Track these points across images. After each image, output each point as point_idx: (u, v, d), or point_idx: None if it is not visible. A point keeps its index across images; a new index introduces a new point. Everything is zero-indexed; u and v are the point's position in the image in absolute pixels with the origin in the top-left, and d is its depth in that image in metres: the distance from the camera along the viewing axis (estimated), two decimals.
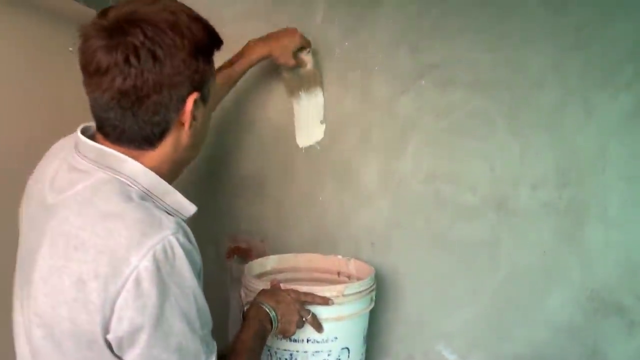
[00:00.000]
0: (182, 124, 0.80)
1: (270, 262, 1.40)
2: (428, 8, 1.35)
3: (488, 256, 1.37)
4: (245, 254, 1.50)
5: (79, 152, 0.79)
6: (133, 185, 0.77)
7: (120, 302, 0.70)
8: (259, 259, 1.38)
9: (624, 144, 1.28)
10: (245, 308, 1.05)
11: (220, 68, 1.23)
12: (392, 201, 1.41)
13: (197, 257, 0.77)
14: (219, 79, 1.02)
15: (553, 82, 1.30)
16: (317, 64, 1.41)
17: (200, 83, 0.79)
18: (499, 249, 1.36)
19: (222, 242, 1.56)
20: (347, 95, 1.42)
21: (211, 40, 0.81)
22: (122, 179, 0.76)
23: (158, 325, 0.71)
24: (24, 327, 0.78)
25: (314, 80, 1.41)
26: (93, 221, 0.72)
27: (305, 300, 1.09)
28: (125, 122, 0.76)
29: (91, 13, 1.33)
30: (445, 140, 1.37)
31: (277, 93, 1.47)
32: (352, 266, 1.40)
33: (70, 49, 1.37)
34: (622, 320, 1.30)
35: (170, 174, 0.83)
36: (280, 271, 1.40)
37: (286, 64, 1.34)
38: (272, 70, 1.46)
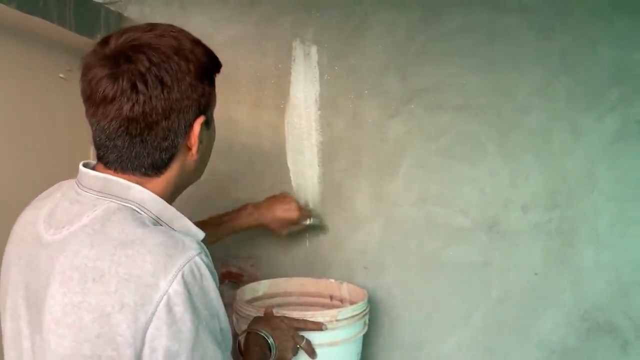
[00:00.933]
0: (189, 149, 0.79)
1: (262, 287, 1.38)
2: (416, 33, 1.38)
3: (480, 278, 1.37)
4: (236, 279, 1.49)
5: (81, 185, 0.77)
6: (142, 212, 0.75)
7: (151, 331, 0.66)
8: (251, 284, 1.37)
9: (611, 166, 1.30)
10: (240, 337, 1.03)
11: (207, 223, 1.23)
12: (384, 224, 1.41)
13: (216, 276, 0.75)
14: None
15: (540, 106, 1.33)
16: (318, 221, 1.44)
17: (206, 106, 0.79)
18: (491, 270, 1.37)
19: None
20: (337, 119, 1.43)
21: (214, 63, 0.81)
22: (130, 205, 0.74)
23: (194, 350, 0.68)
24: None
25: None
26: (111, 251, 0.68)
27: (298, 327, 1.08)
28: (133, 149, 0.74)
29: (82, 40, 1.34)
30: (435, 163, 1.38)
31: (268, 119, 1.47)
32: (345, 290, 1.39)
33: (61, 75, 1.38)
34: (615, 340, 1.31)
35: (171, 197, 0.81)
36: (272, 296, 1.39)
37: (282, 234, 1.37)
38: (265, 97, 1.47)
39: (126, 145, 0.74)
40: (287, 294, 1.41)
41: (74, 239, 0.71)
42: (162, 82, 0.72)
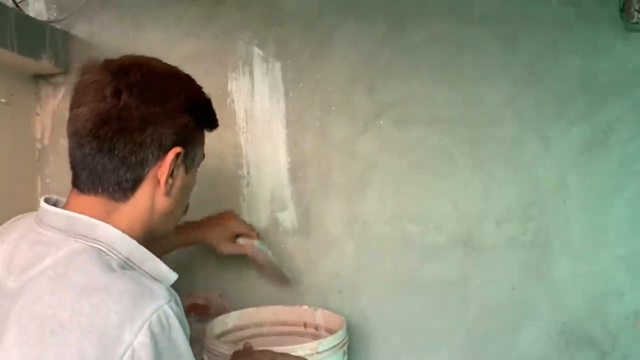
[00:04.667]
0: (158, 181, 0.75)
1: (231, 319, 1.30)
2: (381, 46, 1.34)
3: (458, 295, 1.34)
4: (203, 312, 1.40)
5: (42, 223, 0.72)
6: (110, 253, 0.70)
7: None
8: (219, 317, 1.28)
9: (581, 175, 1.30)
10: None
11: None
12: (357, 244, 1.36)
13: (187, 324, 0.70)
14: None
15: (510, 117, 1.31)
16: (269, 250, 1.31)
17: (186, 142, 0.76)
18: (468, 287, 1.33)
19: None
20: (304, 137, 1.37)
21: (207, 110, 0.81)
22: (98, 246, 0.69)
23: None
24: None
25: (276, 274, 1.34)
26: (73, 298, 0.63)
27: None
28: (100, 160, 0.71)
29: (25, 62, 1.23)
30: (407, 179, 1.34)
31: (232, 140, 1.39)
32: (320, 316, 1.32)
33: (2, 100, 1.26)
34: (594, 352, 1.30)
35: (143, 241, 0.75)
36: (242, 328, 1.31)
37: (226, 252, 1.26)
38: (227, 116, 1.39)
39: (94, 154, 0.71)
40: (258, 324, 1.33)
41: (34, 285, 0.66)
42: (145, 94, 0.72)
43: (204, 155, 0.85)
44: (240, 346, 1.06)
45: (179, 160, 0.76)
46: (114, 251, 0.70)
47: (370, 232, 1.36)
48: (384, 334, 1.36)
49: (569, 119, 1.29)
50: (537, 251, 1.31)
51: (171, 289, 0.70)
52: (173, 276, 0.77)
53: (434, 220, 1.34)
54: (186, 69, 1.40)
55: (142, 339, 0.62)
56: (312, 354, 1.07)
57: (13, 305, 0.65)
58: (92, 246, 0.69)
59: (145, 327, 0.62)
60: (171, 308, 0.66)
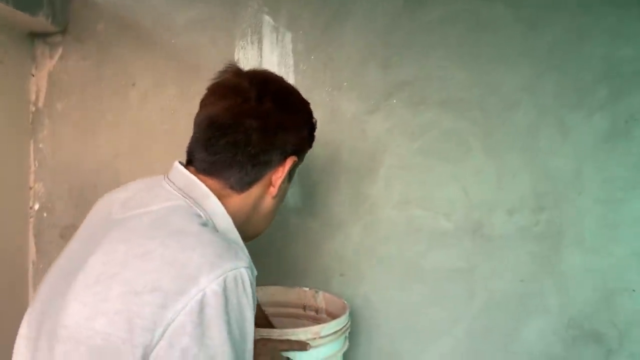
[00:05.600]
0: (271, 184, 0.81)
1: None
2: (398, 22, 1.28)
3: (464, 284, 1.29)
4: None
5: (168, 178, 0.78)
6: (208, 222, 0.73)
7: (176, 325, 0.60)
8: None
9: (599, 167, 1.25)
10: None
11: None
12: (362, 228, 1.31)
13: (256, 300, 0.72)
14: None
15: (527, 102, 1.26)
16: None
17: (299, 153, 0.83)
18: (475, 276, 1.29)
19: None
20: (313, 113, 1.30)
21: (314, 129, 0.89)
22: (200, 212, 0.73)
23: None
24: (36, 344, 0.69)
25: None
26: (165, 234, 0.67)
27: (282, 349, 0.96)
28: (232, 152, 0.76)
29: (22, 17, 1.15)
30: (418, 162, 1.29)
31: None
32: (321, 299, 1.27)
33: None
34: (601, 349, 1.26)
35: (239, 228, 0.79)
36: None
37: None
38: None
39: (228, 145, 0.76)
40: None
41: (136, 219, 0.71)
42: (282, 103, 0.79)
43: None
44: None
45: (291, 169, 0.82)
46: (210, 222, 0.74)
47: (377, 215, 1.31)
48: (385, 319, 1.32)
49: (589, 108, 1.24)
50: (548, 243, 1.27)
51: (253, 265, 0.71)
52: (254, 270, 0.75)
53: (443, 206, 1.29)
54: (191, 36, 1.35)
55: (215, 287, 0.62)
56: (315, 338, 1.02)
57: (111, 231, 0.70)
58: (196, 210, 0.73)
59: (221, 278, 0.63)
60: (249, 275, 0.67)
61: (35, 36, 1.36)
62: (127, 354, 0.60)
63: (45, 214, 1.39)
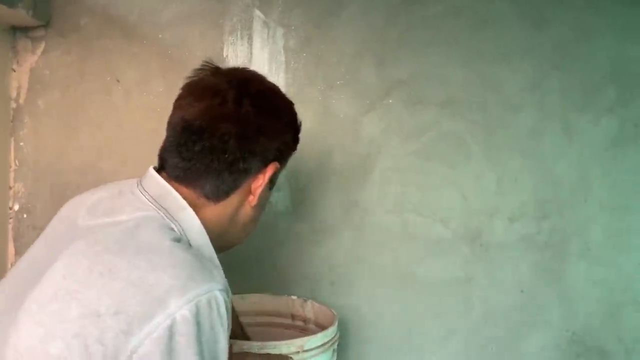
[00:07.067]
0: (250, 192, 0.75)
1: None
2: (395, 17, 1.21)
3: (461, 295, 1.23)
4: None
5: (141, 185, 0.73)
6: (182, 237, 0.68)
7: (140, 354, 0.55)
8: None
9: (606, 172, 1.18)
10: None
11: None
12: (354, 234, 1.25)
13: (230, 324, 0.64)
14: None
15: (531, 104, 1.20)
16: None
17: (282, 159, 0.78)
18: (473, 287, 1.22)
19: None
20: (304, 113, 1.21)
21: (298, 132, 0.83)
22: (173, 226, 0.68)
23: None
24: None
25: None
26: (134, 251, 0.61)
27: None
28: (209, 158, 0.71)
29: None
30: (414, 165, 1.22)
31: None
32: (310, 309, 1.21)
33: None
34: None
35: (213, 243, 0.74)
36: None
37: None
38: None
39: (204, 152, 0.71)
40: (241, 313, 1.21)
41: (102, 230, 0.66)
42: (264, 106, 0.73)
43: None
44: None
45: (272, 176, 0.76)
46: (185, 237, 0.69)
47: (370, 221, 1.24)
48: (377, 332, 1.25)
49: (596, 110, 1.18)
50: (551, 252, 1.20)
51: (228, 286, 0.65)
52: (229, 292, 0.70)
53: (440, 212, 1.22)
54: (178, 31, 1.29)
55: (186, 312, 0.57)
56: (298, 352, 0.95)
57: (75, 241, 0.65)
58: (169, 223, 0.68)
59: (193, 303, 0.57)
60: (224, 299, 0.61)
61: (17, 30, 1.30)
62: None
63: (25, 215, 1.34)
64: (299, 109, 1.24)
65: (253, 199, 0.75)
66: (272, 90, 0.79)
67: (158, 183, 0.72)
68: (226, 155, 0.71)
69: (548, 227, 1.20)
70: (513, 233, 1.21)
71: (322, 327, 1.12)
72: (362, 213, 1.24)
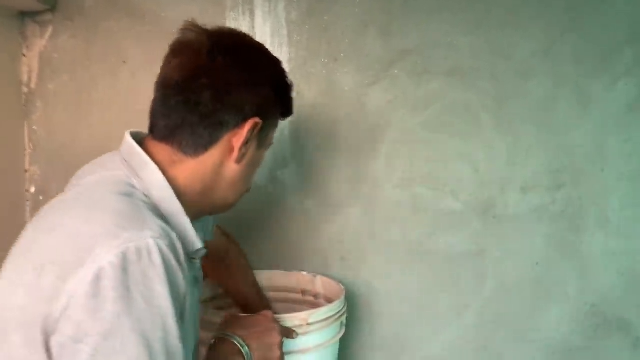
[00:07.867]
0: (231, 150, 0.75)
1: None
2: None
3: (473, 269, 1.20)
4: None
5: (120, 150, 0.75)
6: (139, 192, 0.70)
7: (72, 298, 0.58)
8: (211, 281, 1.18)
9: (624, 139, 1.14)
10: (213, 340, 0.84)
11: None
12: (363, 209, 1.23)
13: (181, 281, 0.64)
14: None
15: (543, 70, 1.15)
16: None
17: (264, 116, 0.76)
18: (486, 260, 1.20)
19: None
20: (308, 87, 1.23)
21: (287, 94, 0.82)
22: (135, 182, 0.70)
23: (107, 339, 0.57)
24: None
25: None
26: (82, 208, 0.66)
27: None
28: (183, 111, 0.72)
29: None
30: (422, 137, 1.20)
31: None
32: (319, 284, 1.21)
33: None
34: (626, 338, 1.16)
35: (198, 203, 0.76)
36: None
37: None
38: None
39: (179, 105, 0.72)
40: None
41: (70, 191, 0.72)
42: (237, 59, 0.74)
43: (272, 141, 0.84)
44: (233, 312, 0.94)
45: (255, 132, 0.76)
46: (145, 191, 0.70)
47: (379, 195, 1.22)
48: (389, 306, 1.24)
49: (613, 74, 1.13)
50: (567, 223, 1.16)
51: (174, 235, 0.66)
52: (197, 244, 0.74)
53: (451, 184, 1.20)
54: (180, 9, 1.29)
55: (112, 259, 0.58)
56: (302, 325, 0.95)
57: (51, 205, 0.70)
58: (131, 180, 0.70)
59: (120, 250, 0.59)
60: (159, 246, 0.61)
61: (26, 15, 1.32)
62: (34, 327, 0.59)
63: (41, 197, 1.37)
64: (303, 82, 1.24)
65: (233, 155, 0.76)
66: (250, 45, 0.79)
67: (127, 143, 0.74)
68: (200, 108, 0.72)
69: (563, 197, 1.16)
70: (526, 204, 1.17)
71: (331, 301, 1.12)
72: (371, 188, 1.22)
